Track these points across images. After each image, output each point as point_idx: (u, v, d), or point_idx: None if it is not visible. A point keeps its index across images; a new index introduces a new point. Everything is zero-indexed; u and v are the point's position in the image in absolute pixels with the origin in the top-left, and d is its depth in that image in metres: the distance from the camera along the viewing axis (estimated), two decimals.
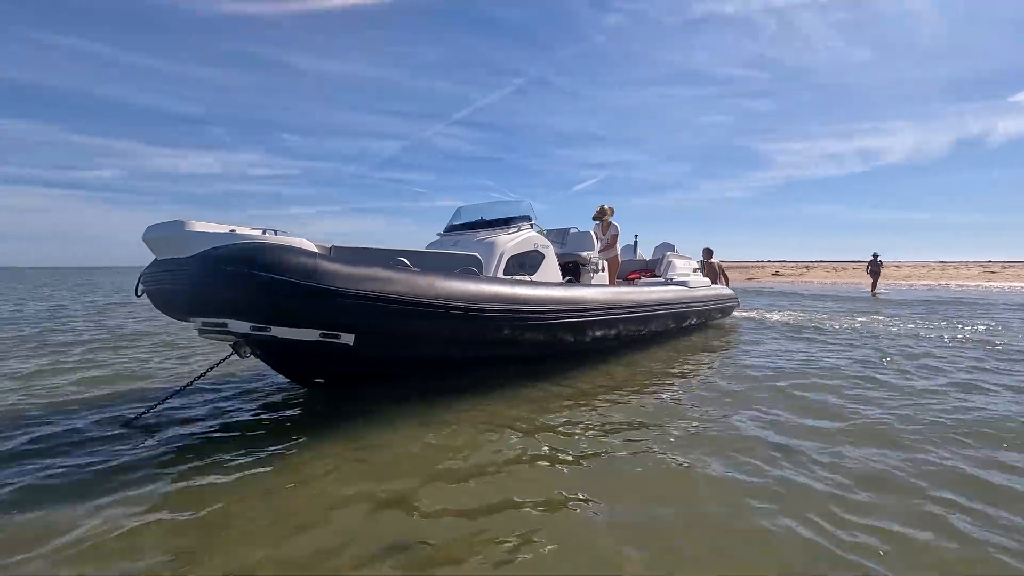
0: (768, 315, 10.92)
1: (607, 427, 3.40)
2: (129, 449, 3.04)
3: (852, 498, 2.40)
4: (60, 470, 2.73)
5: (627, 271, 8.76)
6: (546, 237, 5.73)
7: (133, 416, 3.58)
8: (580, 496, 2.42)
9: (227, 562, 1.91)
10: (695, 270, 9.27)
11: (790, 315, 10.90)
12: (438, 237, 6.04)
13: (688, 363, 5.62)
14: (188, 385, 3.85)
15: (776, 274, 35.94)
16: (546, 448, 3.03)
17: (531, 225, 5.68)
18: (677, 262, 8.68)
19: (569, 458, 2.88)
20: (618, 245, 7.62)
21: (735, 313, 10.47)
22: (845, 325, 9.00)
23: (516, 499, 2.39)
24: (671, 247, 9.38)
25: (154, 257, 3.52)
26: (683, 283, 8.03)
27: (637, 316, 6.07)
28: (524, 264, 5.32)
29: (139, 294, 3.71)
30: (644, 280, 8.03)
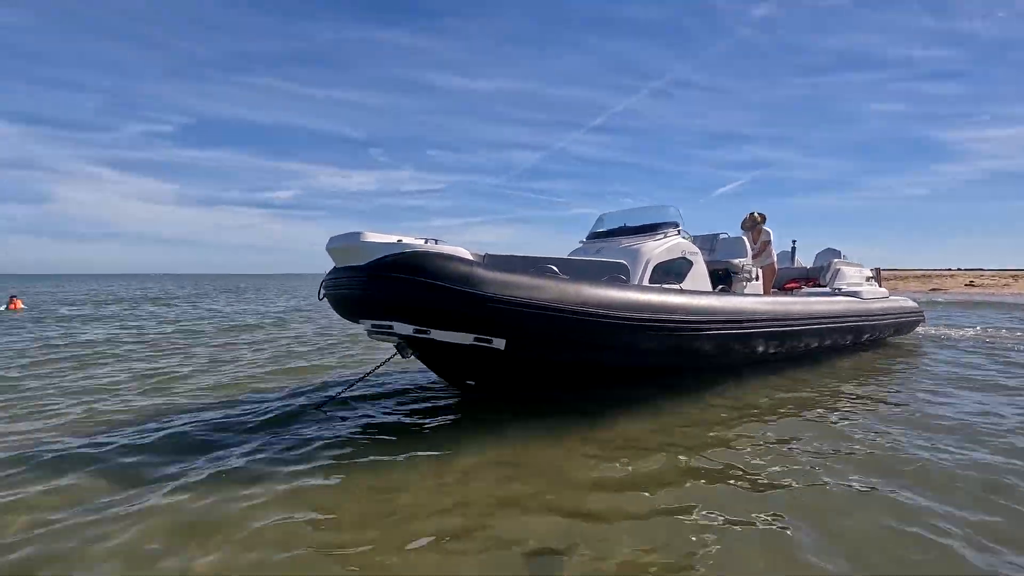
0: (966, 333, 9.23)
1: (781, 447, 3.10)
2: (311, 433, 3.45)
3: None
4: (251, 446, 3.18)
5: (784, 279, 7.99)
6: (694, 243, 5.44)
7: (316, 404, 4.08)
8: (765, 515, 2.23)
9: (370, 552, 2.06)
10: (868, 279, 8.17)
11: (994, 335, 9.09)
12: (581, 244, 6.03)
13: (857, 389, 4.94)
14: (360, 379, 4.26)
15: (971, 284, 30.31)
16: (715, 464, 2.84)
17: (678, 231, 5.42)
18: (847, 270, 7.72)
19: (743, 475, 2.68)
20: (774, 251, 6.99)
21: (919, 329, 9.02)
22: None
23: (686, 516, 2.27)
24: (837, 253, 8.37)
25: (334, 265, 3.95)
26: (854, 294, 7.11)
27: (799, 329, 5.50)
28: (671, 272, 5.09)
29: (321, 297, 4.20)
30: (806, 290, 7.26)
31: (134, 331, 9.26)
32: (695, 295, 4.52)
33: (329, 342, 7.89)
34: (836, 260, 7.89)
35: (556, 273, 3.85)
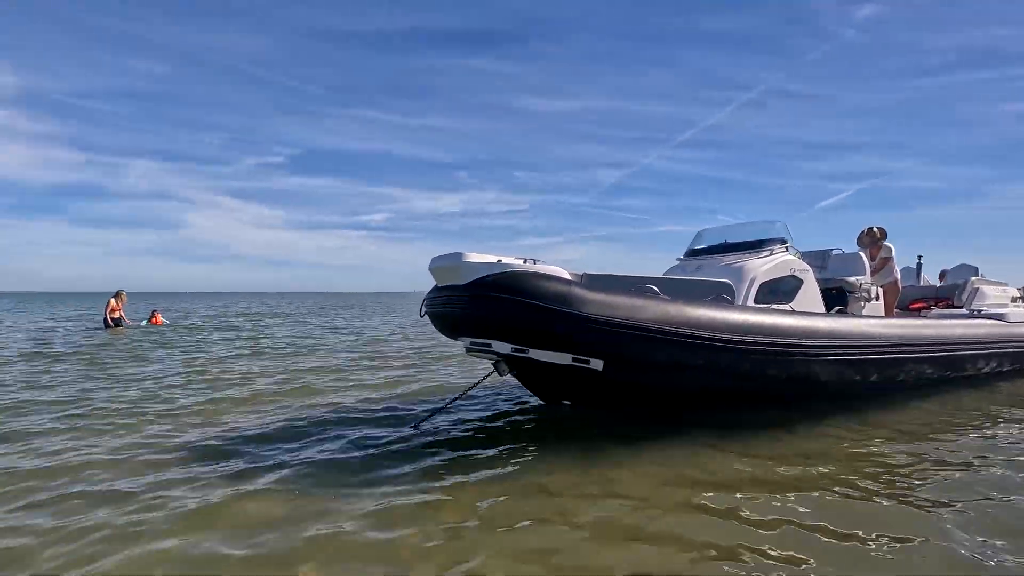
0: None
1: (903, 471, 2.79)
2: (407, 447, 3.58)
3: None
4: (352, 453, 3.35)
5: (909, 300, 7.23)
6: (803, 260, 5.08)
7: (418, 420, 4.25)
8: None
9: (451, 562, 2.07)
10: (1014, 299, 7.18)
11: None
12: (678, 262, 5.84)
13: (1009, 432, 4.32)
14: (459, 396, 4.37)
15: None
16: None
17: (786, 248, 5.09)
18: (988, 289, 6.85)
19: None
20: (896, 269, 6.36)
21: None
22: None
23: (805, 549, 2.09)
24: (974, 270, 7.46)
25: (435, 284, 4.12)
26: (998, 316, 6.28)
27: (932, 356, 4.93)
28: (778, 291, 4.78)
29: (422, 315, 4.38)
30: (937, 311, 6.51)
31: (263, 342, 10.19)
32: (810, 317, 4.21)
33: (431, 358, 8.21)
34: (974, 278, 7.02)
35: (657, 293, 3.75)
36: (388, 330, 14.40)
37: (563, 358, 3.60)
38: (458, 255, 3.61)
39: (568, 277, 3.57)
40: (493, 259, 3.61)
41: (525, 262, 3.59)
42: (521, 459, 3.31)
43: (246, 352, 8.89)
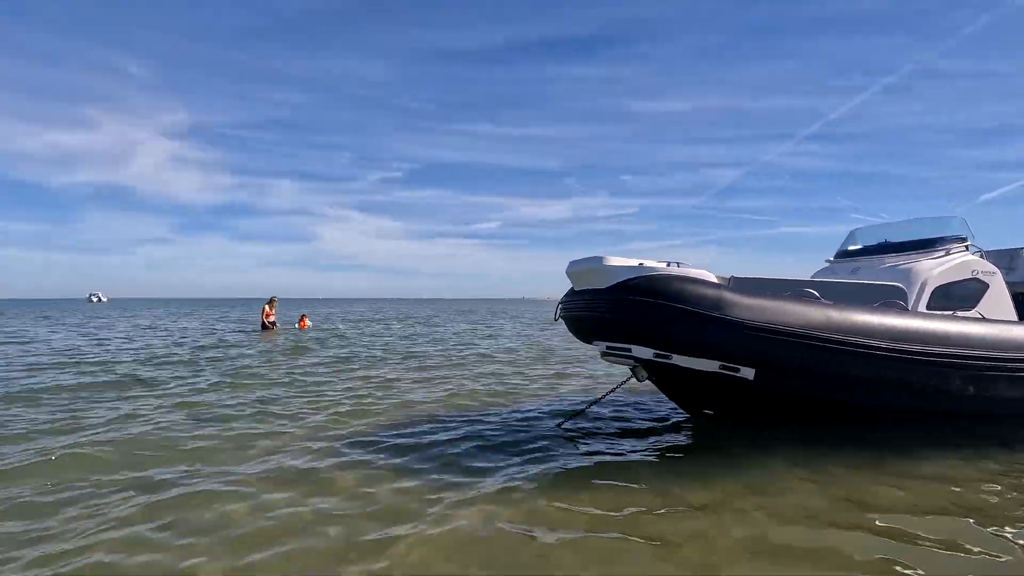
0: None
1: None
2: (549, 448, 3.62)
3: None
4: (488, 453, 3.44)
5: None
6: (987, 261, 4.41)
7: (561, 419, 4.31)
8: None
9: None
10: None
11: None
12: (827, 264, 5.36)
13: None
14: (595, 402, 4.35)
15: None
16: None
17: (965, 247, 4.46)
18: None
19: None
20: None
21: None
22: None
23: None
24: None
25: (571, 288, 4.14)
26: None
27: None
28: (955, 295, 4.19)
29: (556, 319, 4.42)
30: None
31: (400, 342, 10.95)
32: (1004, 325, 3.65)
33: (565, 361, 8.29)
34: None
35: (817, 297, 3.47)
36: (514, 333, 14.74)
37: (710, 365, 3.45)
38: (598, 259, 3.61)
39: (715, 280, 3.43)
40: (634, 262, 3.55)
41: (668, 265, 3.50)
42: (662, 468, 3.22)
43: (389, 350, 9.58)
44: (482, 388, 5.98)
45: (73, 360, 8.21)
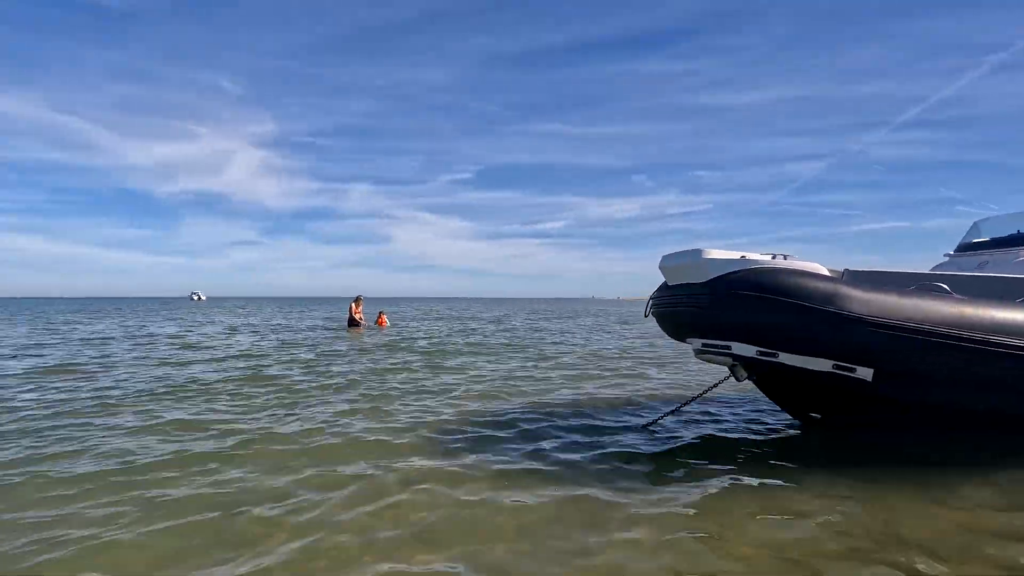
0: None
1: None
2: (639, 448, 3.50)
3: None
4: (588, 452, 3.36)
5: None
6: None
7: (651, 419, 4.19)
8: None
9: None
10: None
11: None
12: (947, 258, 4.87)
13: None
14: (690, 401, 4.17)
15: None
16: None
17: None
18: None
19: None
20: None
21: None
22: None
23: None
24: None
25: (664, 283, 3.99)
26: None
27: None
28: None
29: (647, 315, 4.28)
30: None
31: (487, 340, 11.15)
32: None
33: (655, 360, 8.10)
34: None
35: (947, 292, 3.13)
36: (592, 330, 14.58)
37: (822, 364, 3.20)
38: (697, 251, 3.45)
39: (827, 273, 3.18)
40: (736, 255, 3.37)
41: (774, 257, 3.28)
42: (759, 476, 3.01)
43: (471, 347, 9.77)
44: (567, 382, 5.93)
45: (222, 356, 8.97)
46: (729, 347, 3.52)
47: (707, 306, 3.38)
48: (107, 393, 5.25)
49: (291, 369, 7.05)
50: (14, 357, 8.16)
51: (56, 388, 5.53)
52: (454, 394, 5.39)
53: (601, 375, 6.74)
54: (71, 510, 2.47)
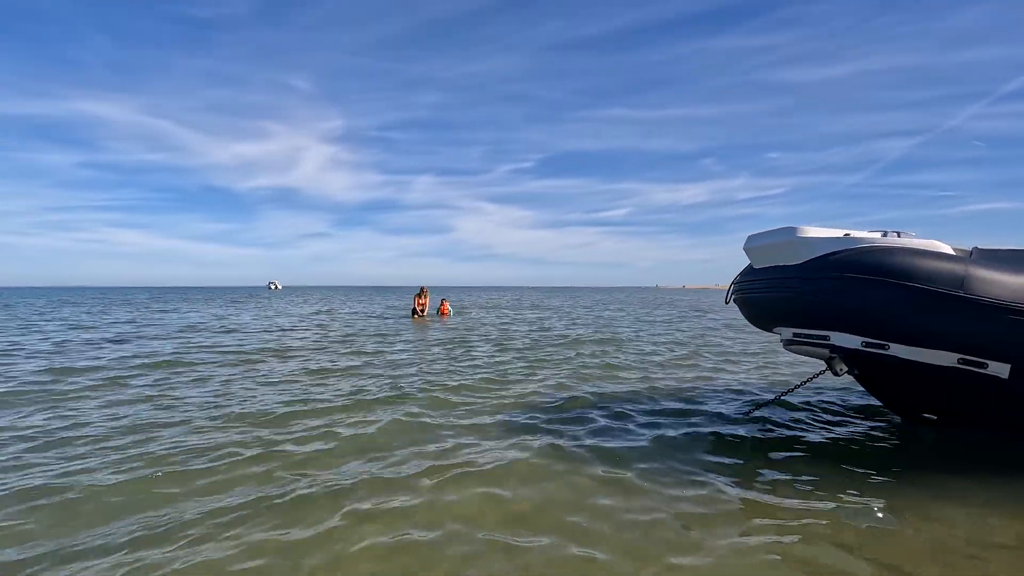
0: None
1: None
2: (736, 436, 3.19)
3: None
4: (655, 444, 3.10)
5: None
6: None
7: (751, 407, 3.93)
8: None
9: None
10: None
11: None
12: None
13: None
14: (783, 394, 3.79)
15: None
16: None
17: None
18: None
19: None
20: None
21: None
22: None
23: None
24: None
25: (748, 265, 3.63)
26: None
27: None
28: None
29: (728, 301, 3.92)
30: None
31: (568, 329, 11.01)
32: None
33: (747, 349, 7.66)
34: None
35: None
36: (670, 319, 14.06)
37: (944, 358, 2.76)
38: (790, 229, 3.07)
39: (952, 252, 2.73)
40: (838, 232, 2.97)
41: (885, 235, 2.86)
42: (860, 480, 2.65)
43: (549, 336, 9.62)
44: (663, 370, 5.64)
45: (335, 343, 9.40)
46: (827, 337, 3.13)
47: (802, 291, 3.01)
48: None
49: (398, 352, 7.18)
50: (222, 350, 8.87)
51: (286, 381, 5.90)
52: (542, 382, 5.24)
53: (688, 364, 6.43)
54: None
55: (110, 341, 8.79)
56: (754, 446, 3.21)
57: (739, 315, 3.89)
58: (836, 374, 3.35)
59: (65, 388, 4.83)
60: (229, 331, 10.73)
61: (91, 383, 5.04)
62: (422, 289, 15.79)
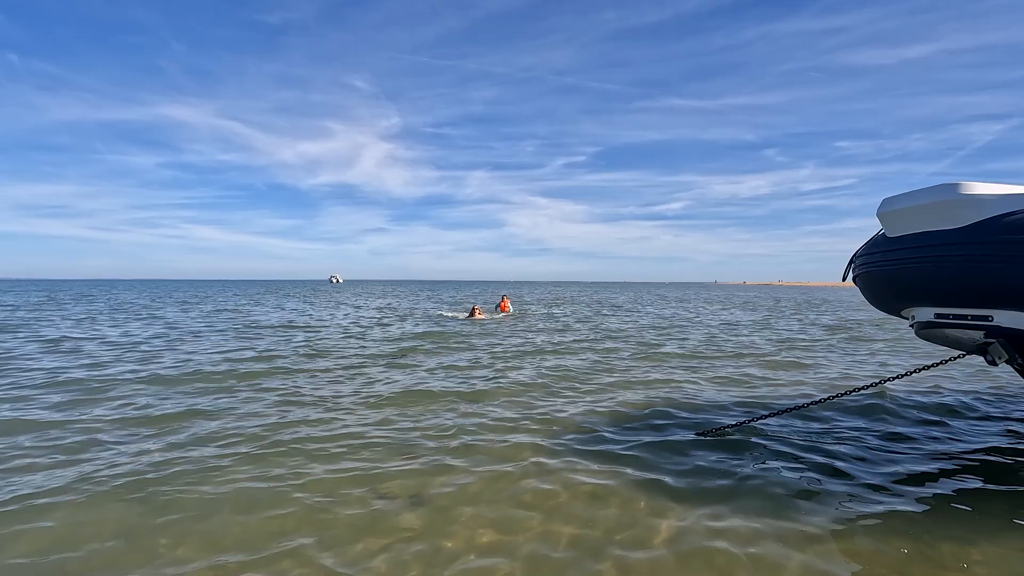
0: None
1: None
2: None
3: None
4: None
5: None
6: None
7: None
8: None
9: None
10: None
11: None
12: None
13: None
14: (896, 377, 3.28)
15: None
16: None
17: None
18: None
19: None
20: None
21: None
22: None
23: None
24: None
25: (880, 234, 3.11)
26: None
27: None
28: None
29: (847, 277, 3.41)
30: None
31: (643, 328, 10.64)
32: None
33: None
34: None
35: None
36: (749, 318, 13.33)
37: None
38: (951, 186, 2.55)
39: None
40: (1010, 189, 2.45)
41: None
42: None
43: (626, 336, 9.27)
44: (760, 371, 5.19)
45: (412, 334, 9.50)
46: (989, 317, 2.60)
47: (964, 259, 2.50)
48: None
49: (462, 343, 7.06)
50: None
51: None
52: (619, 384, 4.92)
53: (786, 365, 5.92)
54: None
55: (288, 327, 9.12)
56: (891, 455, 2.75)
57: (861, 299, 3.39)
58: (994, 364, 2.82)
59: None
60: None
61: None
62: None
